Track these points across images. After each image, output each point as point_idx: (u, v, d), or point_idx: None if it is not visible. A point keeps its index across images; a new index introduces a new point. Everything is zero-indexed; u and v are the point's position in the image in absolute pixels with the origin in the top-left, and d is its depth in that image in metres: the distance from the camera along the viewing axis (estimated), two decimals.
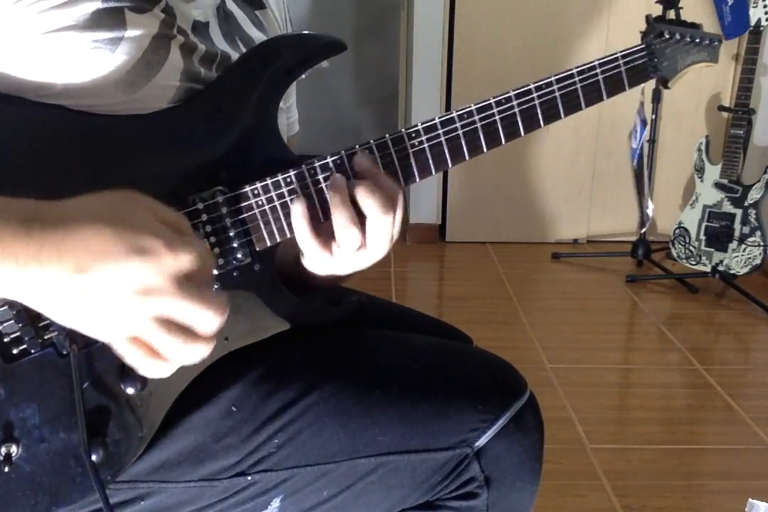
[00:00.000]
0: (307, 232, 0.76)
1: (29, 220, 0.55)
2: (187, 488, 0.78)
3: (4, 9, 0.66)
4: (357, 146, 0.78)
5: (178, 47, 0.74)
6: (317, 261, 0.79)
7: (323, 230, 0.77)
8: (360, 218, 0.75)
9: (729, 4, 2.71)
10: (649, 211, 2.59)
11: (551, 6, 3.12)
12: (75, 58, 0.69)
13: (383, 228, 0.76)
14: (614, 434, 2.00)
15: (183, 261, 0.57)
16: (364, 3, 4.00)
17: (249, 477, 0.78)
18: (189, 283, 0.57)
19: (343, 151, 0.78)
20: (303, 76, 0.86)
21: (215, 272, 0.75)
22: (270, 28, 0.92)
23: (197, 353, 0.59)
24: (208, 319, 0.58)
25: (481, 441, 0.81)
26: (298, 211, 0.75)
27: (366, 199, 0.74)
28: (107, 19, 0.69)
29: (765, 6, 2.63)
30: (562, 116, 0.84)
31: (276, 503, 0.79)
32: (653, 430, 2.01)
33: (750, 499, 1.50)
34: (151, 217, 0.59)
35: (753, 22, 2.66)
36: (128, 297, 0.55)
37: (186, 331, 0.58)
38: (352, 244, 0.76)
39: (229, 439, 0.78)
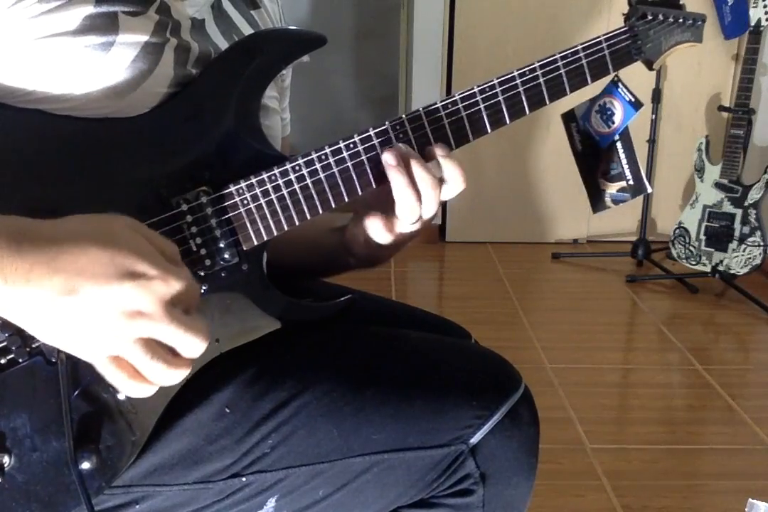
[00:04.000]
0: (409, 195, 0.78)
1: (19, 237, 0.55)
2: (182, 491, 0.77)
3: None
4: (341, 140, 0.78)
5: (172, 51, 0.74)
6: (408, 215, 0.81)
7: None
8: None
9: (729, 4, 2.71)
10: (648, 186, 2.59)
11: (551, 6, 3.12)
12: (64, 63, 0.68)
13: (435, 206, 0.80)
14: (614, 434, 2.00)
15: (173, 287, 0.58)
16: (364, 3, 3.99)
17: (244, 478, 0.78)
18: (176, 309, 0.58)
19: (326, 147, 0.77)
20: (284, 72, 0.85)
21: (203, 274, 0.75)
22: (265, 27, 0.92)
23: (178, 376, 0.60)
24: (192, 344, 0.59)
25: (476, 438, 0.81)
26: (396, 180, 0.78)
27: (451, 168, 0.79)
28: (99, 24, 0.69)
29: (765, 6, 2.63)
30: (547, 102, 0.83)
31: (271, 503, 0.79)
32: (653, 430, 2.01)
33: (750, 499, 1.48)
34: (145, 242, 0.60)
35: (753, 22, 2.66)
36: (116, 319, 0.56)
37: (167, 355, 0.59)
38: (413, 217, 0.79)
39: (223, 441, 0.77)
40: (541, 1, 3.12)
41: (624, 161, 2.71)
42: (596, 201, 2.76)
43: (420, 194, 0.78)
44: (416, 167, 0.77)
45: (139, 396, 0.61)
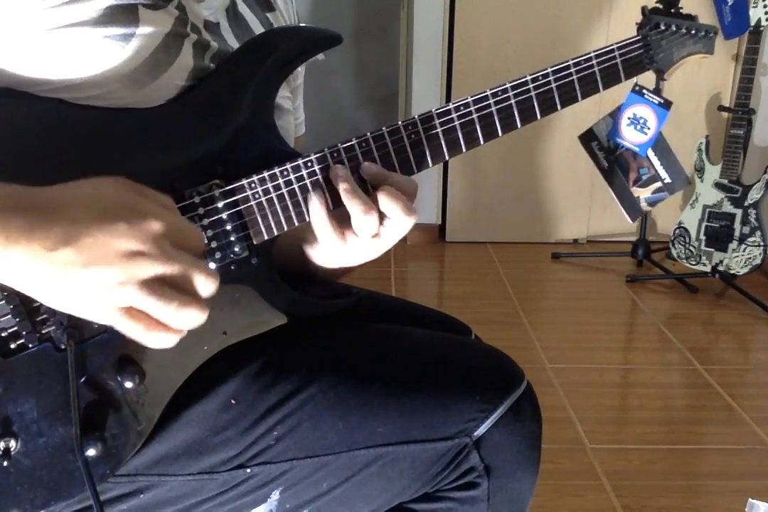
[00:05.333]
0: (324, 220, 0.76)
1: (17, 198, 0.57)
2: (186, 481, 0.77)
3: (18, 4, 0.66)
4: (354, 138, 0.78)
5: (191, 45, 0.74)
6: (330, 249, 0.80)
7: (337, 218, 0.77)
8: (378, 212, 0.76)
9: (729, 4, 2.71)
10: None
11: (551, 6, 3.12)
12: (84, 53, 0.69)
13: (403, 225, 0.77)
14: (614, 434, 2.00)
15: (168, 223, 0.59)
16: (364, 3, 4.00)
17: (248, 470, 0.78)
18: (175, 249, 0.59)
19: (339, 144, 0.78)
20: (300, 69, 0.86)
21: (213, 266, 0.75)
22: None
23: (194, 316, 0.59)
24: (198, 280, 0.59)
25: (479, 431, 0.81)
26: (316, 199, 0.76)
27: (389, 204, 0.76)
28: (120, 15, 0.69)
29: (765, 6, 2.64)
30: (559, 108, 0.84)
31: (275, 495, 0.79)
32: (653, 430, 2.01)
33: (750, 499, 1.49)
34: (137, 193, 0.61)
35: (753, 22, 2.67)
36: (115, 262, 0.56)
37: (178, 295, 0.58)
38: (369, 232, 0.76)
39: (228, 432, 0.78)
40: (541, 1, 3.12)
41: (658, 162, 2.72)
42: (632, 209, 2.79)
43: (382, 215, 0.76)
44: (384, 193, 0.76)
45: (164, 346, 0.60)
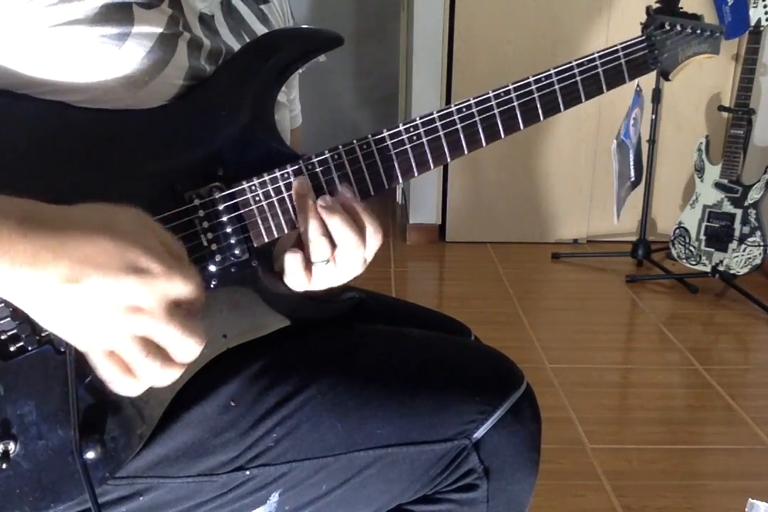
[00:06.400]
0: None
1: (28, 220, 0.55)
2: (185, 483, 0.77)
3: (13, 3, 0.66)
4: (354, 141, 0.78)
5: (185, 44, 0.74)
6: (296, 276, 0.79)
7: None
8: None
9: (729, 4, 2.72)
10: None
11: (551, 6, 3.12)
12: (81, 53, 0.69)
13: (354, 257, 0.77)
14: (614, 434, 2.00)
15: (177, 287, 0.58)
16: (364, 3, 4.00)
17: (248, 472, 0.78)
18: (176, 310, 0.58)
19: (340, 146, 0.77)
20: (300, 70, 0.86)
21: (213, 268, 0.75)
22: (274, 22, 0.92)
23: (169, 377, 0.60)
24: (187, 347, 0.59)
25: (479, 433, 0.81)
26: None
27: (340, 231, 0.76)
28: (115, 14, 0.69)
29: (765, 6, 2.63)
30: (562, 109, 0.83)
31: (275, 497, 0.79)
32: (653, 430, 2.01)
33: (750, 499, 1.49)
34: (153, 237, 0.59)
35: (753, 22, 2.67)
36: (115, 312, 0.56)
37: (163, 355, 0.58)
38: (322, 255, 0.77)
39: (228, 434, 0.77)
40: (541, 1, 3.12)
41: (632, 161, 2.74)
42: (619, 208, 2.81)
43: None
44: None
45: (127, 394, 0.60)
